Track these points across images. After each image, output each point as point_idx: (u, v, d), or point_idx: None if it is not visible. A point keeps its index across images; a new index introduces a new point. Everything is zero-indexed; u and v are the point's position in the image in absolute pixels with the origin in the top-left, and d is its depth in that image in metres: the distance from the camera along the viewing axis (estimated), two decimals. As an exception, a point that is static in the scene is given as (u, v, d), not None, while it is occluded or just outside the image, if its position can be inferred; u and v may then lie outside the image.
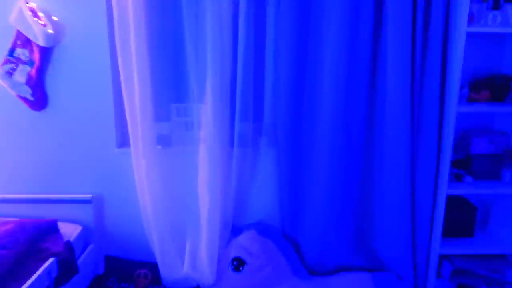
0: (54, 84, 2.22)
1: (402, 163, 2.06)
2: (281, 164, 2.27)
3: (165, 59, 2.25)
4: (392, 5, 1.91)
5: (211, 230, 2.23)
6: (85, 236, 2.31)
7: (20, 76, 2.13)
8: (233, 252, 2.23)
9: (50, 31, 2.09)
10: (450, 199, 2.17)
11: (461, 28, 1.85)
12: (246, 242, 2.25)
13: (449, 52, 1.96)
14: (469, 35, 1.97)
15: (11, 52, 2.12)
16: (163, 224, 2.26)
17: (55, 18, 2.14)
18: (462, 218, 2.21)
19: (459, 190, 2.08)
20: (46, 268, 1.77)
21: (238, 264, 2.20)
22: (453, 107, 1.95)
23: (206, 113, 2.12)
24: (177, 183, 2.31)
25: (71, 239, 2.12)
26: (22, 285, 1.65)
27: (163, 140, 2.31)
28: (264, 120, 2.28)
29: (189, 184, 2.27)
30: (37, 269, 1.77)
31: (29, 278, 1.69)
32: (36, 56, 2.11)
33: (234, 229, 2.34)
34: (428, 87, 2.00)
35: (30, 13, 2.04)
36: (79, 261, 2.12)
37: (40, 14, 2.09)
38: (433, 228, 2.15)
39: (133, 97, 2.09)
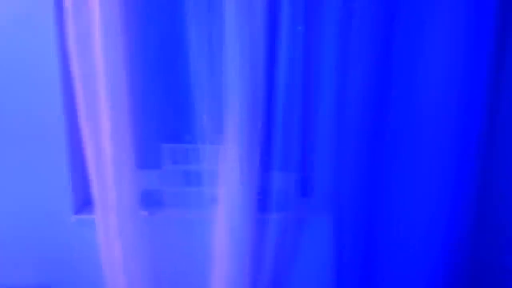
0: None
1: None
2: (340, 241, 1.43)
3: (154, 70, 1.39)
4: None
5: None
6: None
7: None
8: None
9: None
10: None
11: None
12: None
13: None
14: None
15: None
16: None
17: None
18: None
19: None
20: None
21: None
22: None
23: (226, 158, 1.27)
24: (172, 271, 1.45)
25: None
26: None
27: (150, 200, 1.48)
28: (315, 168, 1.43)
29: (193, 272, 1.43)
30: None
31: None
32: None
33: None
34: None
35: None
36: None
37: None
38: None
39: (100, 131, 1.28)
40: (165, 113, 1.42)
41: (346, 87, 1.27)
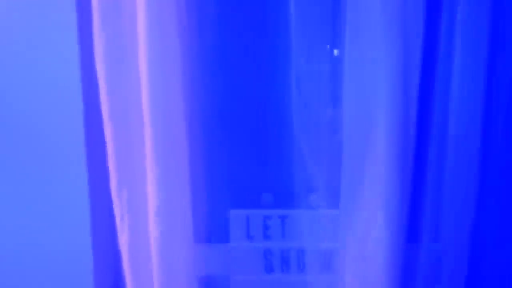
0: None
1: None
2: None
3: (220, 96, 0.92)
4: None
5: None
6: None
7: None
8: None
9: None
10: None
11: None
12: None
13: None
14: None
15: None
16: None
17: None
18: None
19: None
20: None
21: None
22: None
23: (347, 232, 0.79)
24: None
25: None
26: None
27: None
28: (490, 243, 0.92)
29: None
30: None
31: None
32: None
33: None
34: None
35: None
36: None
37: None
38: None
39: (142, 193, 0.83)
40: (235, 163, 0.94)
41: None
